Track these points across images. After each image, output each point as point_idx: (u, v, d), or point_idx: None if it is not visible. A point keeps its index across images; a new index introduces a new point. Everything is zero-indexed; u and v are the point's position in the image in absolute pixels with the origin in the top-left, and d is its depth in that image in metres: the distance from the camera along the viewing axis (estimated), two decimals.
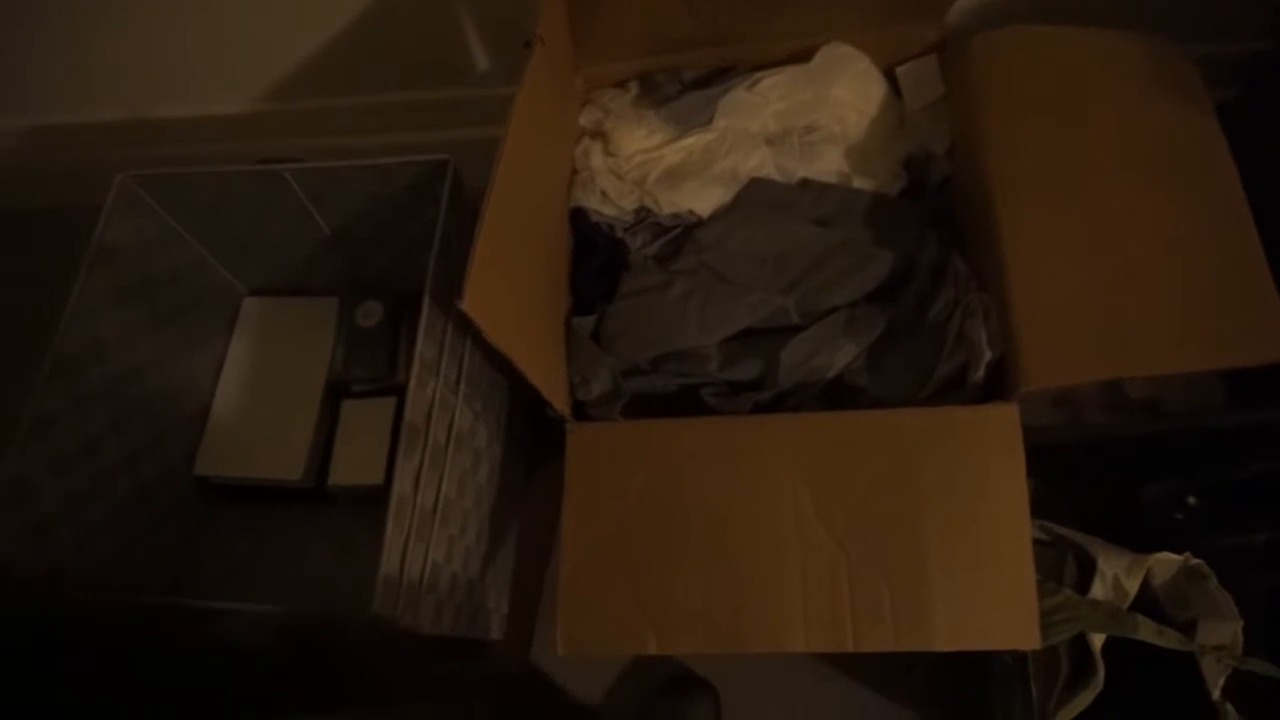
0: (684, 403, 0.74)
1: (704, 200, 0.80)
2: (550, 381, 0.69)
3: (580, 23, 0.81)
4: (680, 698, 0.90)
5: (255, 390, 1.00)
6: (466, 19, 0.96)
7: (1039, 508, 0.64)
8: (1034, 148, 0.71)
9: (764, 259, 0.77)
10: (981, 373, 0.67)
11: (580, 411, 0.74)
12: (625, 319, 0.76)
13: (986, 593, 0.62)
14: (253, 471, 0.96)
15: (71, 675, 0.71)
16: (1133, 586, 0.68)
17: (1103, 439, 0.84)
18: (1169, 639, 0.67)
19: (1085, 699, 0.66)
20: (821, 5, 0.81)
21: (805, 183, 0.81)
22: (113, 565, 0.83)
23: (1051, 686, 0.68)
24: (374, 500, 0.92)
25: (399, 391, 0.96)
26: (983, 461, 0.64)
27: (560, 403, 0.70)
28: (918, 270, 0.75)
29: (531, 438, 0.98)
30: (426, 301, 0.71)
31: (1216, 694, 0.65)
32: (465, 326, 0.75)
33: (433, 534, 0.71)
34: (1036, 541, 0.66)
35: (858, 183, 0.81)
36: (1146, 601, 0.70)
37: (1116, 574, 0.68)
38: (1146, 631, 0.67)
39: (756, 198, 0.80)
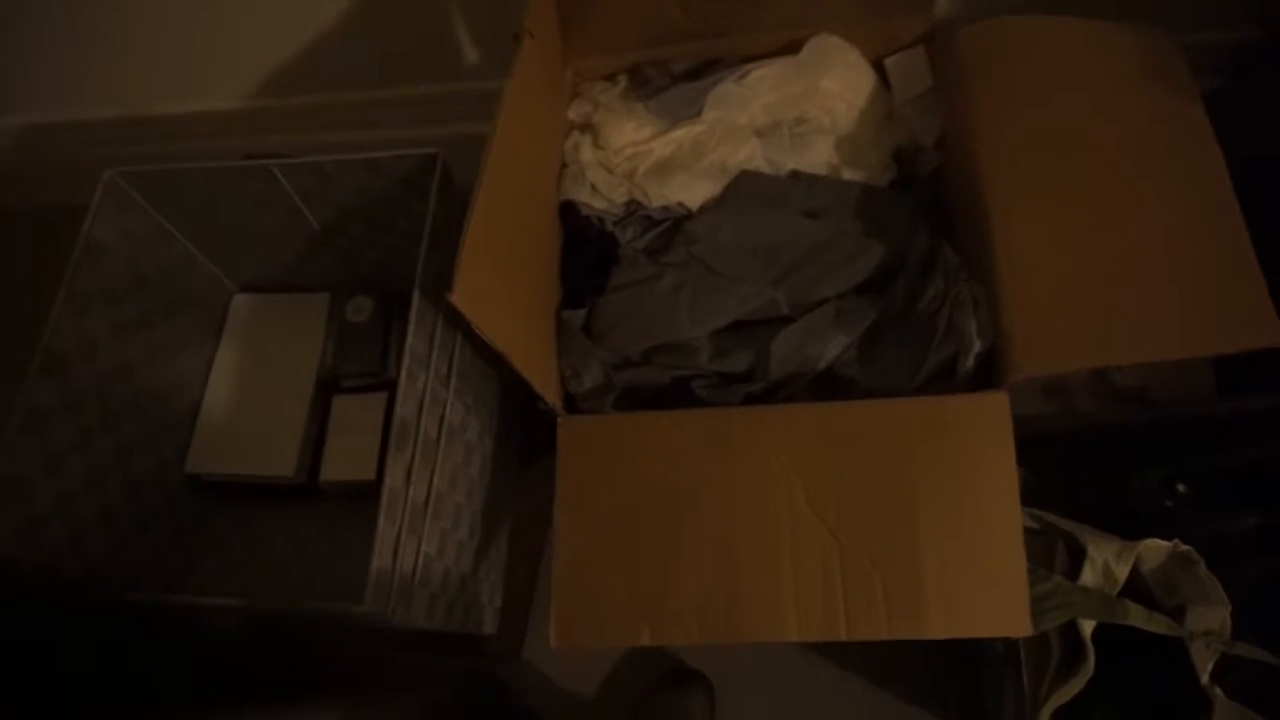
0: (675, 395, 0.74)
1: (694, 193, 0.80)
2: (541, 375, 0.69)
3: (569, 16, 0.81)
4: (675, 690, 0.90)
5: (246, 387, 1.00)
6: (456, 13, 0.96)
7: (1029, 496, 0.64)
8: (1022, 138, 0.71)
9: (754, 251, 0.77)
10: (971, 362, 0.67)
11: (571, 404, 0.74)
12: (616, 312, 0.76)
13: (978, 580, 0.62)
14: (244, 468, 0.96)
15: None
16: (1122, 573, 0.68)
17: (1092, 427, 0.85)
18: (1158, 624, 0.67)
19: (1076, 685, 0.66)
20: None
21: (795, 175, 0.81)
22: (106, 563, 0.83)
23: (1043, 673, 0.68)
24: (366, 496, 0.91)
25: (390, 387, 0.96)
26: (973, 450, 0.64)
27: (551, 396, 0.70)
28: (908, 261, 0.75)
29: (523, 432, 0.98)
30: (416, 295, 0.71)
31: (1205, 678, 0.65)
32: (455, 320, 0.75)
33: (425, 528, 0.71)
34: (1027, 530, 0.66)
35: (847, 174, 0.81)
36: (1136, 588, 0.70)
37: (1106, 560, 0.69)
38: (1136, 617, 0.67)
39: (746, 190, 0.80)
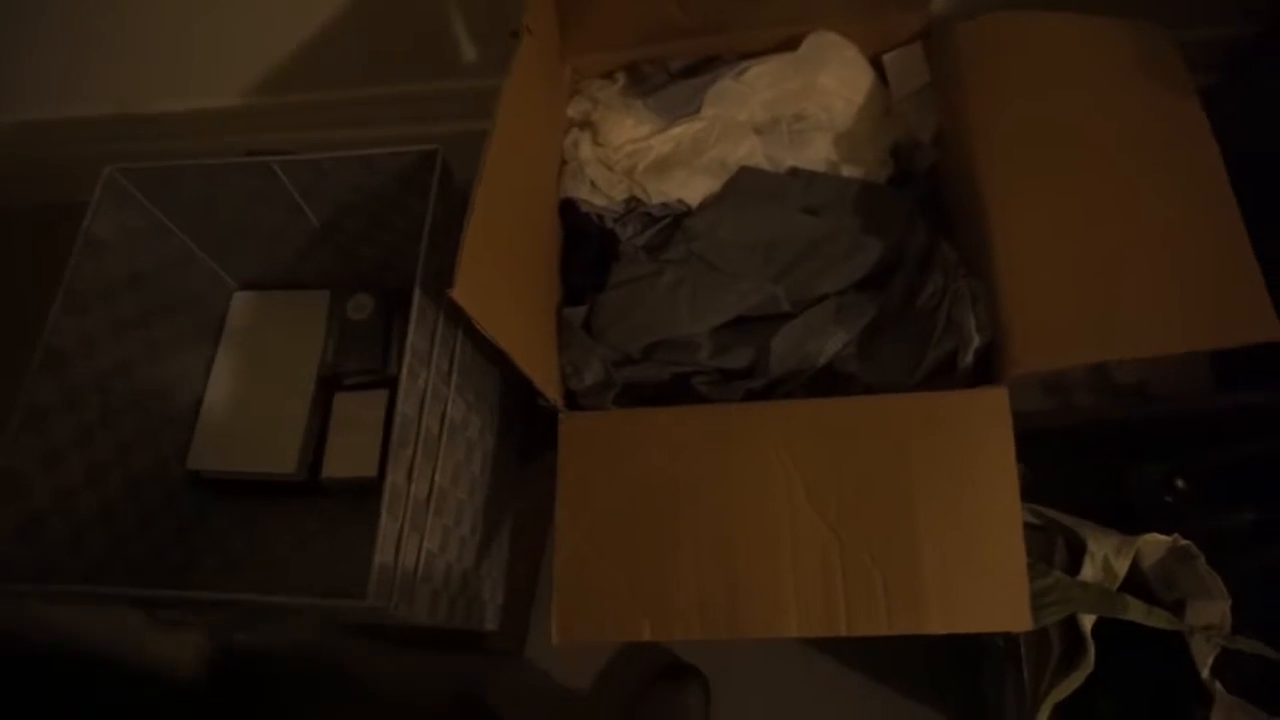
0: (676, 391, 0.74)
1: (693, 189, 0.80)
2: (542, 371, 0.69)
3: (567, 13, 0.81)
4: (670, 685, 0.90)
5: (247, 384, 1.00)
6: (454, 10, 0.96)
7: (1029, 492, 0.64)
8: (1020, 133, 0.71)
9: (754, 247, 0.77)
10: (971, 358, 0.67)
11: (572, 401, 0.74)
12: (616, 308, 0.76)
13: (978, 575, 0.63)
14: (245, 465, 0.96)
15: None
16: (1122, 567, 0.69)
17: (1091, 423, 0.85)
18: (1158, 619, 0.67)
19: (1076, 680, 0.66)
20: None
21: (794, 171, 0.81)
22: (107, 561, 0.83)
23: (1043, 668, 0.69)
24: (368, 493, 0.92)
25: (391, 384, 0.96)
26: (973, 445, 0.65)
27: (552, 392, 0.70)
28: (906, 257, 0.75)
29: (524, 429, 0.98)
30: (417, 292, 0.71)
31: (1206, 673, 0.66)
32: (456, 317, 0.75)
33: (427, 524, 0.71)
34: (1027, 525, 0.66)
35: (846, 171, 0.82)
36: (1136, 583, 0.71)
37: (1106, 555, 0.69)
38: (1136, 612, 0.67)
39: (746, 186, 0.81)
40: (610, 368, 0.73)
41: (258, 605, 0.68)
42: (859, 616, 0.63)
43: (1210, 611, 0.67)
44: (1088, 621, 0.67)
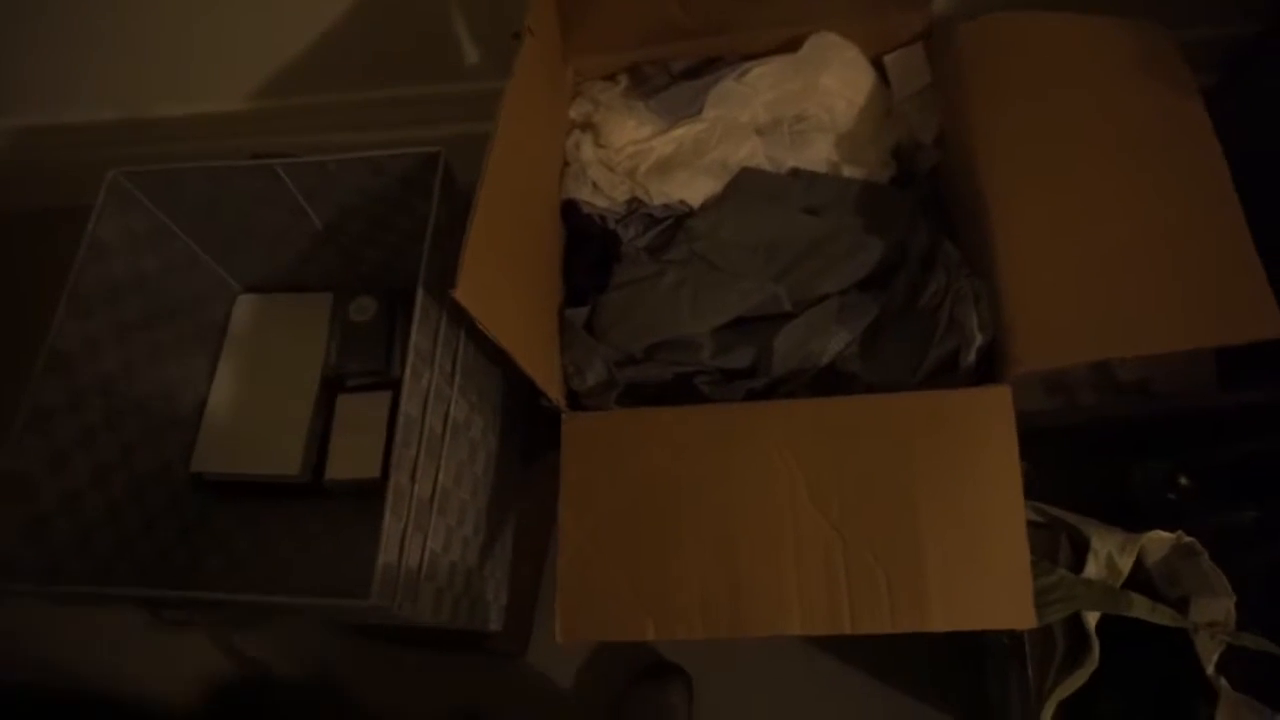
0: (678, 391, 0.74)
1: (695, 190, 0.81)
2: (545, 372, 0.69)
3: (569, 15, 0.82)
4: (654, 683, 0.90)
5: (250, 387, 1.01)
6: (456, 13, 0.97)
7: (1032, 490, 0.64)
8: (1021, 133, 0.71)
9: (755, 247, 0.77)
10: (973, 357, 0.67)
11: (575, 401, 0.74)
12: (619, 309, 0.76)
13: (982, 573, 0.63)
14: (249, 467, 0.96)
15: None
16: (1126, 565, 0.69)
17: (1095, 421, 0.85)
18: (1162, 615, 0.67)
19: (1081, 677, 0.66)
20: None
21: (795, 172, 0.82)
22: (113, 562, 0.83)
23: (1047, 666, 0.69)
24: (371, 494, 0.92)
25: (394, 386, 0.96)
26: (976, 444, 0.65)
27: (555, 393, 0.70)
28: (908, 257, 0.75)
29: (526, 430, 0.98)
30: (420, 293, 0.71)
31: (1210, 669, 0.65)
32: (459, 317, 0.75)
33: (430, 523, 0.71)
34: (1031, 523, 0.66)
35: (847, 171, 0.82)
36: (1140, 580, 0.71)
37: (1110, 552, 0.69)
38: (1140, 608, 0.67)
39: (747, 187, 0.81)
40: (613, 368, 0.73)
41: (261, 605, 0.68)
42: (862, 615, 0.63)
43: (1214, 608, 0.67)
44: (1092, 619, 0.67)
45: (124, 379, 0.87)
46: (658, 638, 0.65)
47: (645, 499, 0.68)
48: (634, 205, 0.81)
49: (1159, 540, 0.69)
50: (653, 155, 0.82)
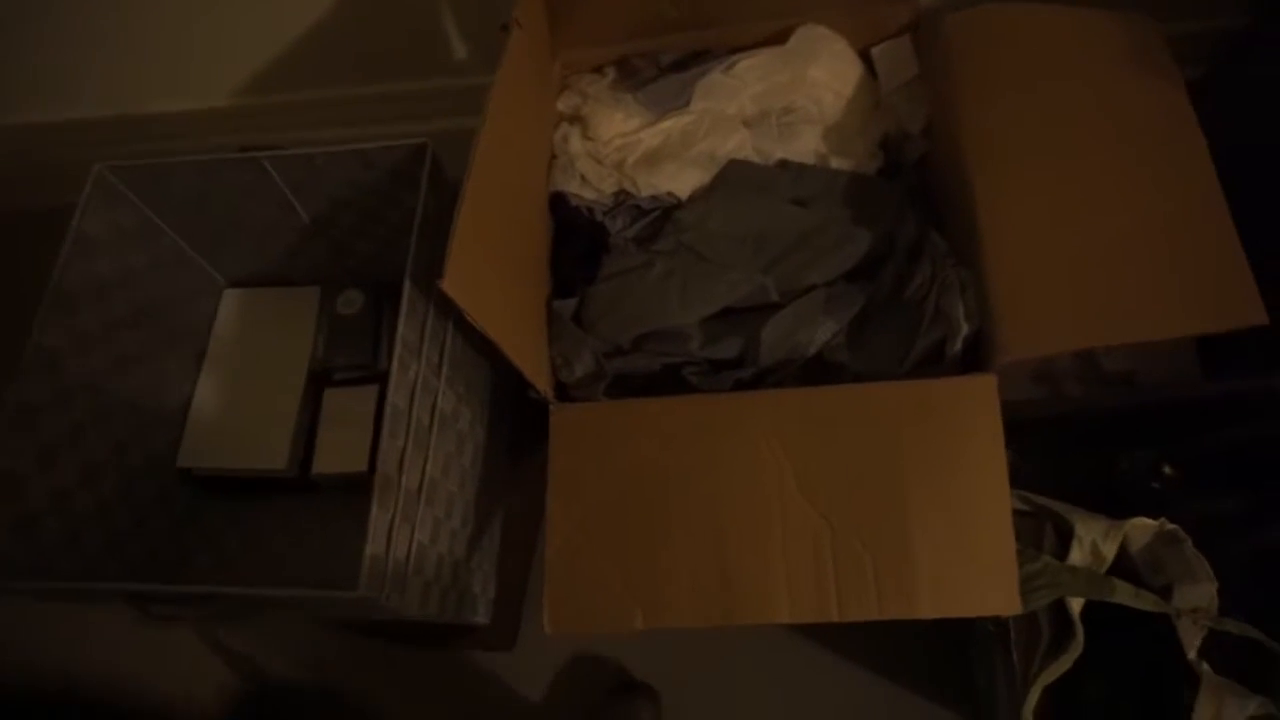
0: (666, 382, 0.74)
1: (683, 182, 0.81)
2: (533, 363, 0.69)
3: (557, 8, 0.82)
4: (624, 701, 0.91)
5: (237, 381, 1.00)
6: (445, 8, 0.96)
7: (1018, 479, 0.65)
8: (1008, 124, 0.72)
9: (743, 239, 0.78)
10: (959, 346, 0.68)
11: (563, 393, 0.74)
12: (607, 300, 0.76)
13: (968, 560, 0.63)
14: (237, 462, 0.96)
15: None
16: (1110, 551, 0.69)
17: (1081, 412, 0.85)
18: (1146, 601, 0.68)
19: (1065, 662, 0.67)
20: None
21: (783, 163, 0.82)
22: (102, 559, 0.83)
23: (1033, 652, 0.69)
24: (360, 488, 0.91)
25: (381, 379, 0.96)
26: (962, 432, 0.65)
27: (543, 384, 0.70)
28: (896, 248, 0.76)
29: (514, 423, 0.98)
30: (407, 284, 0.71)
31: (1193, 654, 0.66)
32: (447, 309, 0.75)
33: (418, 515, 0.71)
34: (1016, 511, 0.67)
35: (835, 163, 0.82)
36: (1125, 568, 0.71)
37: (1094, 540, 0.69)
38: (1124, 594, 0.68)
39: (735, 179, 0.81)
40: (601, 359, 0.74)
41: (250, 598, 0.68)
42: (850, 602, 0.63)
43: (1197, 594, 0.68)
44: (1076, 605, 0.68)
45: (112, 375, 0.87)
46: (646, 627, 0.65)
47: (634, 490, 0.68)
48: (622, 197, 0.81)
49: (1143, 527, 0.70)
50: (640, 147, 0.82)
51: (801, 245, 0.77)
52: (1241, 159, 0.68)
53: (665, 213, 0.81)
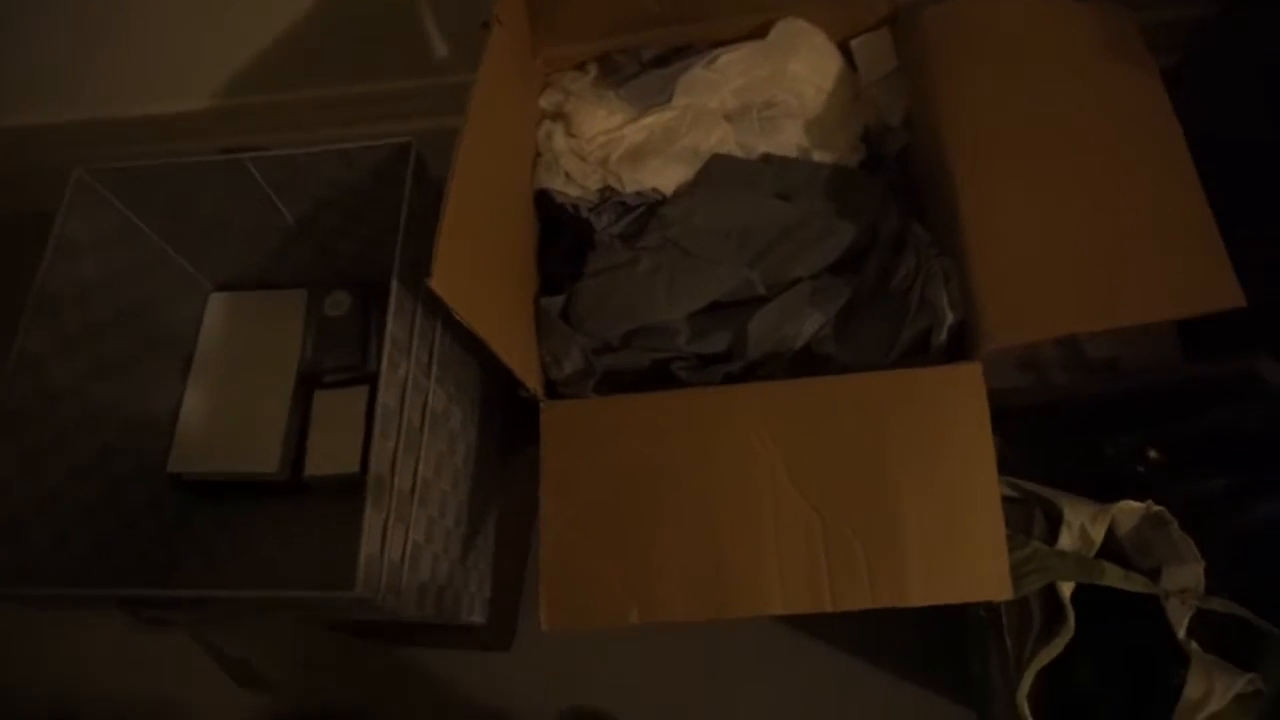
0: (655, 377, 0.74)
1: (667, 178, 0.81)
2: (522, 361, 0.69)
3: (537, 5, 0.81)
4: None
5: (226, 385, 1.00)
6: (425, 7, 0.96)
7: (1006, 466, 0.65)
8: (986, 114, 0.72)
9: (728, 233, 0.78)
10: (944, 335, 0.68)
11: (553, 391, 0.74)
12: (594, 297, 0.77)
13: (959, 546, 0.64)
14: (227, 466, 0.96)
15: None
16: (1098, 534, 0.70)
17: (1068, 399, 0.86)
18: (1135, 582, 0.69)
19: (1057, 646, 0.67)
20: None
21: (766, 157, 0.82)
22: (91, 563, 0.82)
23: (1025, 637, 0.70)
24: (352, 490, 0.91)
25: (371, 380, 0.96)
26: (949, 420, 0.66)
27: (532, 382, 0.70)
28: (879, 239, 0.76)
29: (505, 421, 0.99)
30: (395, 283, 0.71)
31: (1182, 634, 0.67)
32: (435, 307, 0.75)
33: (412, 515, 0.72)
34: (1005, 498, 0.67)
35: (817, 156, 0.82)
36: (1113, 552, 0.72)
37: (1082, 523, 0.70)
38: (1113, 576, 0.68)
39: (719, 173, 0.81)
40: (590, 356, 0.74)
41: (244, 601, 0.68)
42: (843, 592, 0.64)
43: (1184, 575, 0.69)
44: (1066, 589, 0.68)
45: (97, 379, 0.86)
46: (642, 621, 0.65)
47: (626, 485, 0.68)
48: (607, 194, 0.81)
49: (1130, 510, 0.70)
50: (624, 144, 0.82)
51: (786, 238, 0.77)
52: (1215, 145, 0.68)
53: (650, 208, 0.81)
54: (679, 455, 0.68)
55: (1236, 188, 0.66)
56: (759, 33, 0.85)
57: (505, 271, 0.72)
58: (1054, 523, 0.71)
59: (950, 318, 0.68)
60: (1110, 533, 0.72)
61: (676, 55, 0.87)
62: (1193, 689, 0.65)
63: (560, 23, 0.84)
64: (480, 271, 0.65)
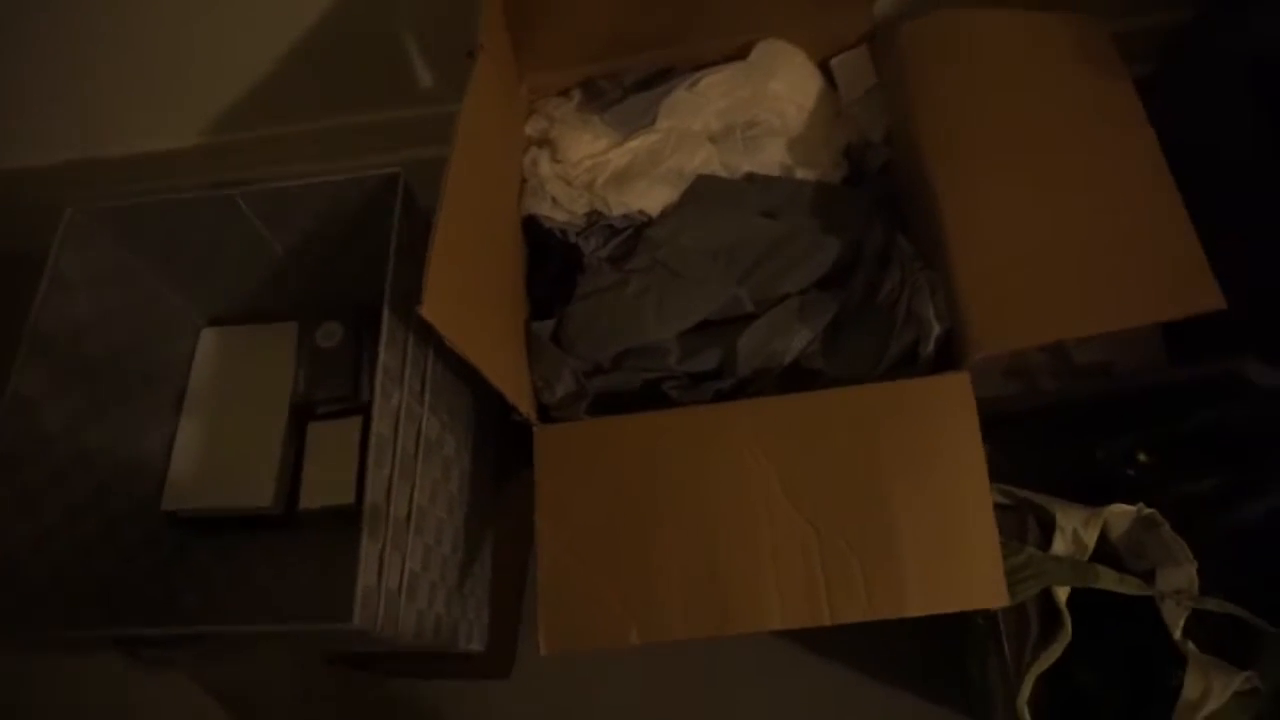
0: (647, 397, 0.75)
1: (653, 199, 0.82)
2: (514, 386, 0.70)
3: (520, 33, 0.83)
4: None
5: (219, 420, 1.00)
6: (409, 38, 0.97)
7: (998, 475, 0.66)
8: (965, 127, 0.74)
9: (716, 252, 0.79)
10: (932, 346, 0.69)
11: (545, 414, 0.75)
12: (584, 319, 0.77)
13: (953, 555, 0.64)
14: (222, 502, 0.95)
15: None
16: (1091, 538, 0.70)
17: (1054, 405, 0.87)
18: (1129, 585, 0.69)
19: (1055, 651, 0.68)
20: (753, 2, 0.83)
21: (750, 176, 0.83)
22: (87, 602, 0.82)
23: (1023, 643, 0.70)
24: (347, 521, 0.91)
25: (364, 411, 0.96)
26: (939, 430, 0.66)
27: (525, 406, 0.71)
28: (865, 254, 0.77)
29: (499, 447, 0.99)
30: (386, 312, 0.71)
31: (1178, 635, 0.67)
32: (426, 336, 0.76)
33: (408, 543, 0.71)
34: (998, 505, 0.68)
35: (801, 173, 0.84)
36: (1108, 556, 0.72)
37: (1075, 528, 0.71)
38: (1108, 580, 0.69)
39: (704, 193, 0.82)
40: (581, 378, 0.74)
41: (242, 635, 0.68)
42: (840, 604, 0.64)
43: (1178, 576, 0.69)
44: (1062, 594, 0.69)
45: (92, 418, 0.86)
46: (641, 641, 0.65)
47: (621, 506, 0.68)
48: (594, 217, 0.82)
49: (1121, 513, 0.71)
50: (609, 167, 0.83)
51: (773, 255, 0.78)
52: (1188, 151, 0.70)
53: (637, 231, 0.82)
54: (673, 474, 0.68)
55: (1212, 192, 0.67)
56: (740, 54, 0.87)
57: (495, 297, 0.73)
58: (1047, 528, 0.72)
59: (937, 329, 0.68)
60: (1103, 536, 0.72)
61: (659, 78, 0.88)
62: (1191, 689, 0.65)
63: (543, 49, 0.85)
64: (470, 298, 0.66)
